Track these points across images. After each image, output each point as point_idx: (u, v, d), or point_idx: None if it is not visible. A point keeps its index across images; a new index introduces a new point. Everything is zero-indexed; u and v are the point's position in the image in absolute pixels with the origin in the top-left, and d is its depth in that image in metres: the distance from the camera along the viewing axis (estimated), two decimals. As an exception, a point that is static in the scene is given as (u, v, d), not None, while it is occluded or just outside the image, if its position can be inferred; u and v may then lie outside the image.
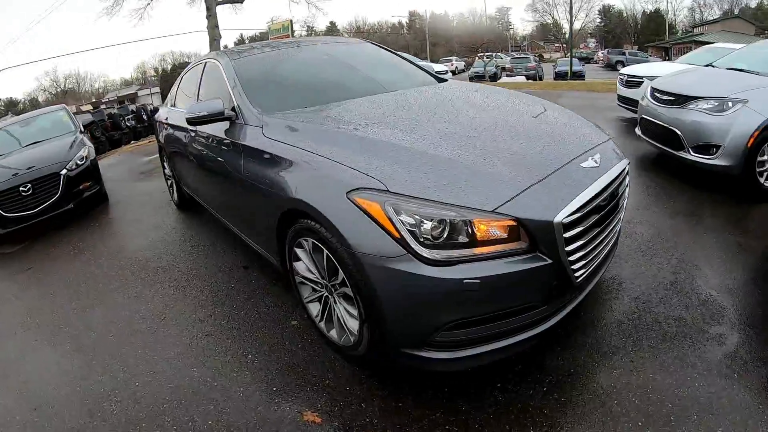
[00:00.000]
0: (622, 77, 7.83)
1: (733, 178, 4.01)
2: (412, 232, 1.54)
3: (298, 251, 2.09)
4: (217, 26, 15.45)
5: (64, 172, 4.63)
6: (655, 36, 49.02)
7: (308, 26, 44.58)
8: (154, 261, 3.54)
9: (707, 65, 5.70)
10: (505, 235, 1.56)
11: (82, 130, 5.80)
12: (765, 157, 4.12)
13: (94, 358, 2.42)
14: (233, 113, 2.60)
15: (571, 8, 26.12)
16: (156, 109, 16.45)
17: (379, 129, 2.04)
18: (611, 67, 29.67)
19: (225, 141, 2.67)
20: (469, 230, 1.53)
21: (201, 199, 3.75)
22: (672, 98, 4.64)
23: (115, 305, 2.93)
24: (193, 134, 3.37)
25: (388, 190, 1.60)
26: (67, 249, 4.09)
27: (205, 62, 3.54)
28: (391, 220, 1.54)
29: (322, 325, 2.14)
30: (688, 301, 2.34)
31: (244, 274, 3.13)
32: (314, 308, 2.18)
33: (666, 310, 2.27)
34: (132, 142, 12.78)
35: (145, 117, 14.91)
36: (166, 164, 4.76)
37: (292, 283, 2.28)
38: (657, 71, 7.20)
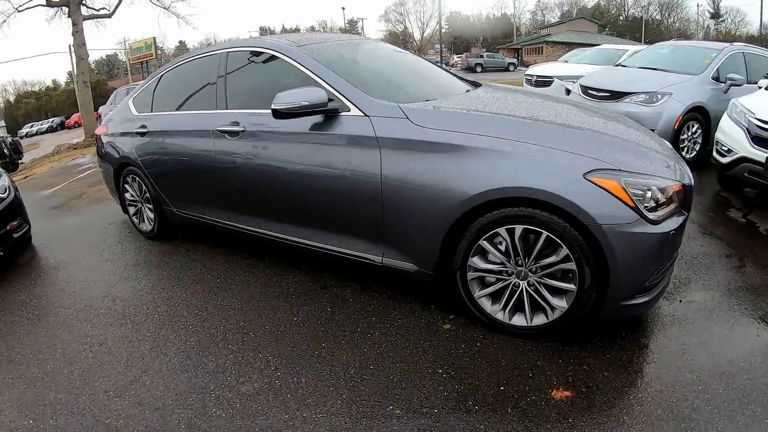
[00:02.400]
0: (530, 78, 8.49)
1: (663, 154, 4.76)
2: (639, 201, 1.72)
3: (485, 244, 1.90)
4: (84, 44, 12.84)
5: (-14, 209, 3.09)
6: (504, 38, 50.86)
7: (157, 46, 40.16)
8: (181, 306, 2.53)
9: (617, 65, 6.43)
10: (667, 198, 1.81)
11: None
12: (685, 136, 4.86)
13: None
14: (337, 104, 2.13)
15: (439, 17, 27.78)
16: (15, 143, 12.74)
17: (550, 120, 2.05)
18: (470, 69, 31.12)
19: (328, 135, 2.16)
20: (664, 195, 1.77)
21: (227, 218, 2.84)
22: (608, 94, 5.18)
23: (176, 371, 1.97)
24: (232, 137, 2.56)
25: (620, 170, 1.75)
26: (21, 312, 2.71)
27: (227, 53, 2.73)
28: (628, 193, 1.71)
29: (499, 315, 2.00)
30: (701, 241, 2.95)
31: (332, 296, 2.48)
32: (487, 302, 2.03)
33: (694, 249, 2.84)
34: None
35: (6, 152, 11.51)
36: (129, 187, 3.55)
37: (460, 282, 2.02)
38: (564, 71, 7.95)
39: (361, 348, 2.00)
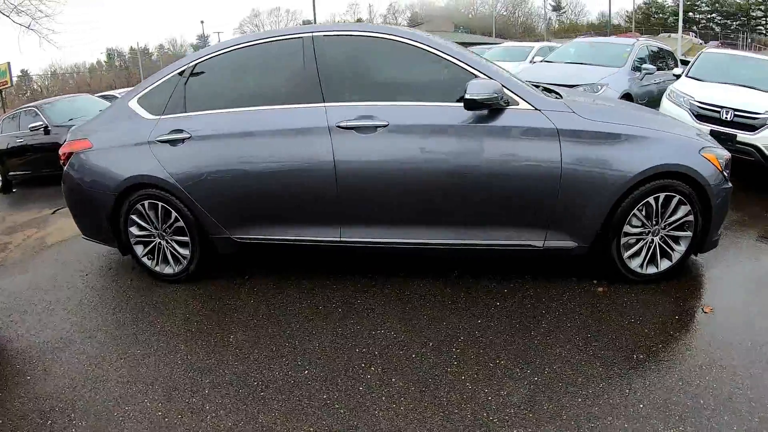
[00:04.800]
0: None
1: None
2: (722, 167, 2.24)
3: (637, 212, 2.18)
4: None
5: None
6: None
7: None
8: (338, 350, 1.94)
9: (544, 60, 6.92)
10: (727, 164, 2.34)
11: None
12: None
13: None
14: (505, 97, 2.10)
15: (314, 15, 26.11)
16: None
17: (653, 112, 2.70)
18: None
19: (498, 128, 2.10)
20: (727, 162, 2.31)
21: (335, 234, 2.32)
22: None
23: (431, 417, 1.53)
24: (365, 133, 2.15)
25: (712, 146, 2.28)
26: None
27: (323, 36, 2.25)
28: (719, 161, 2.23)
29: (638, 269, 2.29)
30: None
31: (484, 292, 2.31)
32: (630, 261, 2.28)
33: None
34: None
35: None
36: (138, 218, 2.56)
37: (615, 248, 2.23)
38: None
39: (563, 325, 2.03)
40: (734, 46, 26.38)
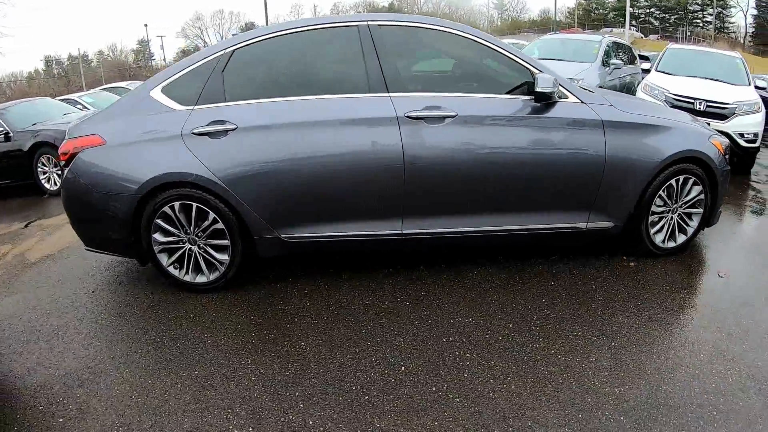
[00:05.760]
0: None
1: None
2: (725, 152, 2.58)
3: (662, 192, 2.41)
4: None
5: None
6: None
7: None
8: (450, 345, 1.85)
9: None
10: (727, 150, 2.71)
11: None
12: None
13: None
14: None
15: (266, 17, 24.71)
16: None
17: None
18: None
19: (552, 119, 2.20)
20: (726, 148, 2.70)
21: (395, 226, 2.23)
22: None
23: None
24: (434, 124, 2.10)
25: (716, 135, 2.60)
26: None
27: (379, 26, 2.16)
28: (723, 147, 2.55)
29: (661, 244, 2.52)
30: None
31: (537, 275, 2.40)
32: (655, 236, 2.50)
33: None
34: None
35: None
36: (164, 223, 2.27)
37: (645, 226, 2.43)
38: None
39: (616, 297, 2.19)
40: (675, 40, 28.55)
